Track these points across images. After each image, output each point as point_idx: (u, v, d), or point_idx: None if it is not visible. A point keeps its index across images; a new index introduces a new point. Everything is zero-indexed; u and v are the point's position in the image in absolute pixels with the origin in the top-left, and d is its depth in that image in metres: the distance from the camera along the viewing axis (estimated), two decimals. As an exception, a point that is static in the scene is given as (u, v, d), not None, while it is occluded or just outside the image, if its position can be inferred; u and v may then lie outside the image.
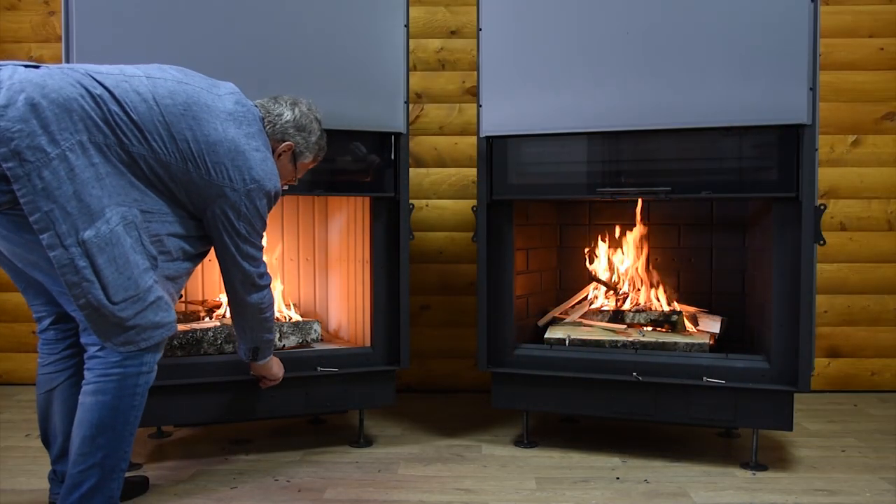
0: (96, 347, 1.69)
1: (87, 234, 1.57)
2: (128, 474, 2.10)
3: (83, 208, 1.57)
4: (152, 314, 1.70)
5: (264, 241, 1.98)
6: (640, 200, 2.72)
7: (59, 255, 1.55)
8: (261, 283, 1.96)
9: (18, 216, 1.56)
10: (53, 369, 1.85)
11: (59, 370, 1.84)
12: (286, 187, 2.08)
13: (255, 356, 2.09)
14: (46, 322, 1.85)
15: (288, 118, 1.96)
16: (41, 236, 1.54)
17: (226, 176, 1.79)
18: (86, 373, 1.70)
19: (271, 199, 1.90)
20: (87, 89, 1.61)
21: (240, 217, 1.83)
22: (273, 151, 1.96)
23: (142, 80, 1.73)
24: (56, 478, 1.88)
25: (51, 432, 1.87)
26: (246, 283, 1.93)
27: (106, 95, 1.64)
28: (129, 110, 1.66)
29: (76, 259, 1.57)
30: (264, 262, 1.98)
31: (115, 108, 1.64)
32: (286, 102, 1.99)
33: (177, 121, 1.72)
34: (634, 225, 2.78)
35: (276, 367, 2.21)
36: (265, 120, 1.94)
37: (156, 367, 1.77)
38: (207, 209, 1.81)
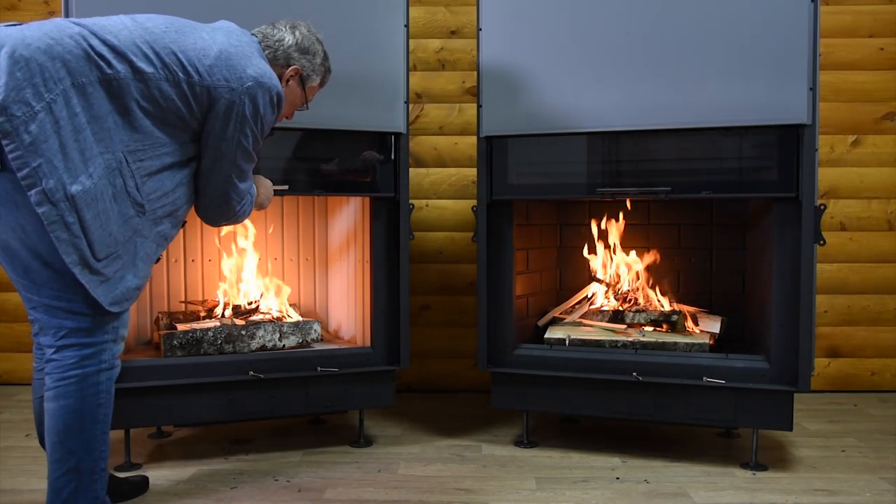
0: (52, 350, 1.65)
1: (74, 188, 1.53)
2: (128, 474, 2.11)
3: (68, 162, 1.53)
4: (130, 273, 1.67)
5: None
6: (627, 201, 2.72)
7: (47, 210, 1.51)
8: (240, 198, 1.86)
9: None
10: (44, 374, 1.83)
11: None
12: (306, 106, 2.03)
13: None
14: (38, 326, 1.81)
15: (290, 42, 1.90)
16: (30, 193, 1.50)
17: (221, 77, 1.71)
18: (46, 378, 1.66)
19: (274, 102, 1.79)
20: (64, 30, 1.58)
21: (241, 120, 1.74)
22: (279, 79, 1.87)
23: (122, 17, 1.70)
24: None
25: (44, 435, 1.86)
26: (224, 200, 1.83)
27: (85, 31, 1.60)
28: (108, 38, 1.61)
29: (65, 215, 1.53)
30: (251, 180, 1.90)
31: (94, 41, 1.59)
32: (285, 27, 1.92)
33: (159, 37, 1.67)
34: (633, 224, 2.78)
35: (263, 193, 2.05)
36: (263, 44, 1.87)
37: (118, 363, 1.72)
38: (207, 120, 1.74)
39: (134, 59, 1.62)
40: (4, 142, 1.49)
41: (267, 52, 1.87)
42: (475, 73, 2.45)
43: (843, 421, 2.83)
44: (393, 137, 2.40)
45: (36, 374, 1.85)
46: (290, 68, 1.91)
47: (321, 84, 2.04)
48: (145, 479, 2.08)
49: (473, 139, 2.79)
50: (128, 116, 1.64)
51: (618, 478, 2.21)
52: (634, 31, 2.23)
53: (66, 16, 2.08)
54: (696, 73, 2.18)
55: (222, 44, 1.74)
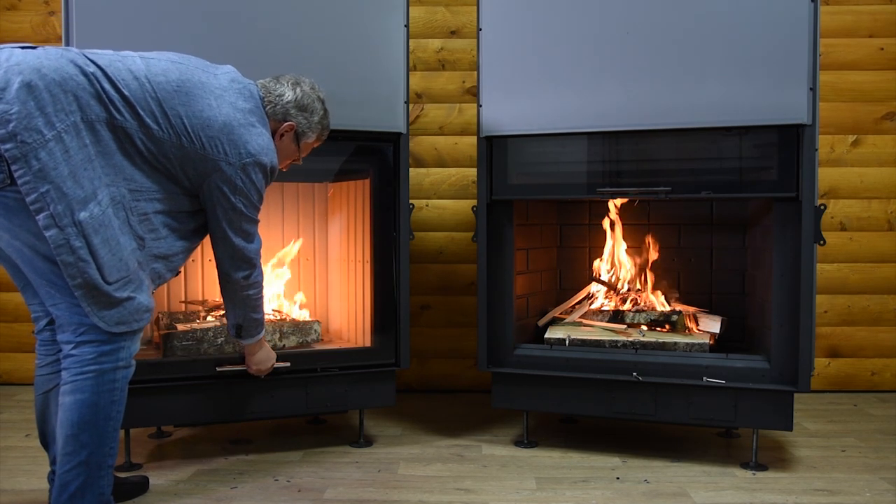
0: (71, 346, 1.68)
1: (83, 214, 1.59)
2: (128, 474, 2.11)
3: (77, 189, 1.58)
4: (143, 296, 1.73)
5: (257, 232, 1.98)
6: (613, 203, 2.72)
7: (54, 234, 1.57)
8: (251, 259, 1.95)
9: (7, 199, 1.57)
10: (49, 371, 1.84)
11: (56, 371, 1.83)
12: (299, 161, 2.10)
13: (240, 334, 2.08)
14: (43, 322, 1.85)
15: (289, 98, 1.97)
16: (38, 217, 1.56)
17: (221, 150, 1.79)
18: (63, 373, 1.69)
19: (268, 174, 1.89)
20: (80, 68, 1.63)
21: (235, 191, 1.84)
22: (274, 132, 1.97)
23: (136, 59, 1.75)
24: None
25: (49, 434, 1.86)
26: (235, 259, 1.93)
27: (99, 73, 1.65)
28: (120, 87, 1.67)
29: (72, 239, 1.58)
30: (259, 239, 1.98)
31: (106, 85, 1.65)
32: (287, 83, 2.00)
33: (169, 97, 1.74)
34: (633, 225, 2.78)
35: (263, 356, 2.18)
36: (265, 100, 1.95)
37: (133, 363, 1.76)
38: (203, 184, 1.82)
39: (142, 114, 1.70)
40: (14, 167, 1.53)
41: (267, 106, 1.95)
42: (475, 73, 2.45)
43: (843, 421, 2.83)
44: (393, 137, 2.40)
45: (39, 371, 1.86)
46: (285, 123, 1.98)
47: (318, 140, 2.12)
48: (145, 479, 2.09)
49: (473, 139, 2.79)
50: (129, 160, 1.71)
51: (618, 478, 2.21)
52: (635, 31, 2.23)
53: (66, 15, 2.08)
54: (697, 73, 2.18)
55: (227, 116, 1.81)
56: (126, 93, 1.68)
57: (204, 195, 1.84)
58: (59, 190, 1.56)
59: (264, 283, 2.09)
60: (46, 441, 1.88)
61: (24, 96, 1.53)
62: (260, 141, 1.86)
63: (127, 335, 1.72)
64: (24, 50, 1.62)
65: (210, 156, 1.79)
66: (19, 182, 1.54)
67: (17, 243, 1.63)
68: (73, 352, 1.68)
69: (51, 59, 1.61)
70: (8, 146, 1.52)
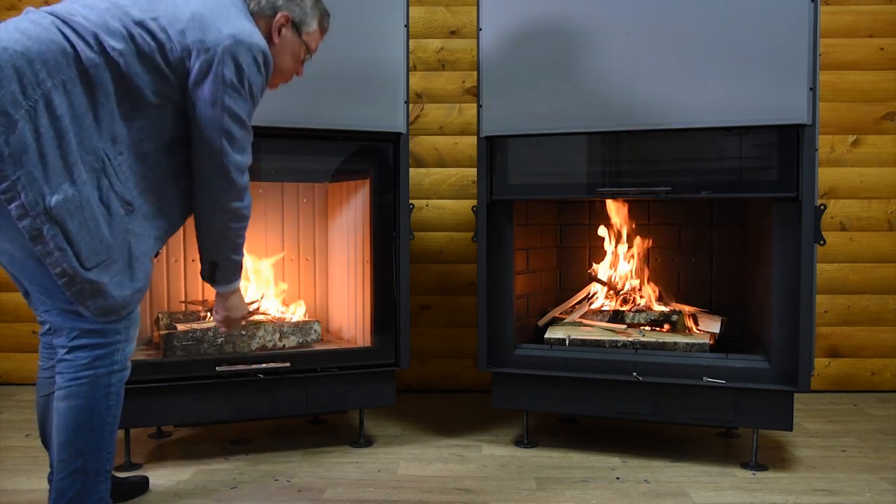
0: (64, 350, 1.62)
1: (55, 199, 1.48)
2: (128, 474, 2.11)
3: (48, 172, 1.48)
4: (127, 278, 1.62)
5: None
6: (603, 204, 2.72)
7: (27, 224, 1.48)
8: (235, 180, 1.70)
9: None
10: (51, 374, 1.80)
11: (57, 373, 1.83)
12: (310, 56, 1.92)
13: (213, 277, 1.82)
14: (47, 326, 1.82)
15: None
16: (10, 207, 1.47)
17: (195, 38, 1.60)
18: (57, 377, 1.64)
19: (258, 61, 1.66)
20: (40, 25, 1.52)
21: (222, 81, 1.62)
22: (270, 33, 1.78)
23: None
24: None
25: (49, 435, 1.84)
26: (218, 174, 1.68)
27: (57, 21, 1.54)
28: (78, 23, 1.55)
29: (44, 228, 1.48)
30: (250, 155, 1.74)
31: (66, 30, 1.53)
32: None
33: (129, 9, 1.59)
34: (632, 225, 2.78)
35: (235, 303, 1.89)
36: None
37: (129, 365, 1.70)
38: (188, 90, 1.64)
39: (105, 37, 1.55)
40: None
41: (251, 4, 1.76)
42: (475, 73, 2.45)
43: (843, 421, 2.83)
44: (393, 137, 2.40)
45: (41, 373, 1.84)
46: (278, 16, 1.79)
47: (322, 29, 1.91)
48: (145, 480, 2.08)
49: (473, 139, 2.79)
50: (104, 109, 1.57)
51: (618, 478, 2.21)
52: (634, 31, 2.23)
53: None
54: (697, 73, 2.18)
55: (195, 7, 1.63)
56: (84, 23, 1.54)
57: (190, 103, 1.65)
58: (29, 175, 1.46)
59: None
60: (47, 442, 1.87)
61: None
62: (240, 24, 1.65)
63: (121, 337, 1.65)
64: None
65: (182, 48, 1.60)
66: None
67: (7, 246, 1.56)
68: (66, 356, 1.62)
69: (9, 30, 1.50)
70: None
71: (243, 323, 1.94)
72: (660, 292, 2.70)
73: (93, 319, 1.61)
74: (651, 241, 2.79)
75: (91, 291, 1.57)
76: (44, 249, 1.51)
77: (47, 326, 1.82)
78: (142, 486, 2.06)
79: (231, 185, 1.71)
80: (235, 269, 1.84)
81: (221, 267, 1.80)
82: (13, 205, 1.47)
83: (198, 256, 2.66)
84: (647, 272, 2.75)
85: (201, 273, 1.84)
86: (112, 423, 1.66)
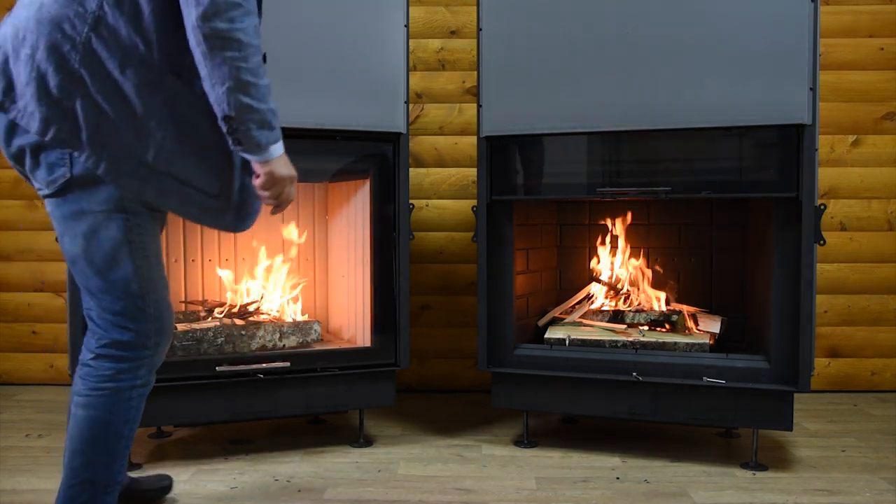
0: (91, 356, 1.58)
1: (149, 155, 1.44)
2: (151, 473, 2.09)
3: (126, 137, 1.43)
4: (246, 177, 1.56)
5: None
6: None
7: (138, 187, 1.45)
8: (240, 20, 1.41)
9: (66, 205, 1.46)
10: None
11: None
12: None
13: (235, 137, 1.49)
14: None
15: None
16: (119, 184, 1.43)
17: None
18: (78, 381, 1.60)
19: None
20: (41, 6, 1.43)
21: None
22: None
23: None
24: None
25: None
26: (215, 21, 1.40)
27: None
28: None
29: (162, 181, 1.46)
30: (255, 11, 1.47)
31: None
32: None
33: None
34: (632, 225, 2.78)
35: (283, 168, 1.56)
36: None
37: (152, 380, 1.66)
38: None
39: None
40: (76, 154, 1.41)
41: None
42: (475, 73, 2.45)
43: (843, 421, 2.83)
44: (393, 137, 2.40)
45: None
46: None
47: None
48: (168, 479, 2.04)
49: (473, 139, 2.79)
50: (130, 25, 1.43)
51: (618, 478, 2.21)
52: (635, 31, 2.23)
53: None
54: (697, 73, 2.18)
55: None
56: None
57: None
58: (117, 147, 1.41)
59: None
60: None
61: (35, 83, 1.39)
62: None
63: (149, 352, 1.58)
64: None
65: None
66: (86, 163, 1.41)
67: (67, 241, 1.52)
68: (90, 363, 1.57)
69: (20, 17, 1.43)
70: (49, 139, 1.39)
71: (293, 191, 1.63)
72: (666, 297, 2.70)
73: (124, 332, 1.54)
74: (651, 242, 2.79)
75: (232, 211, 1.56)
76: (171, 204, 1.50)
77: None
78: (165, 488, 2.02)
79: (226, 24, 1.40)
80: (259, 122, 1.48)
81: (239, 120, 1.46)
82: (117, 183, 1.44)
83: (198, 257, 2.66)
84: (648, 276, 2.75)
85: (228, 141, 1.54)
86: (128, 436, 1.62)
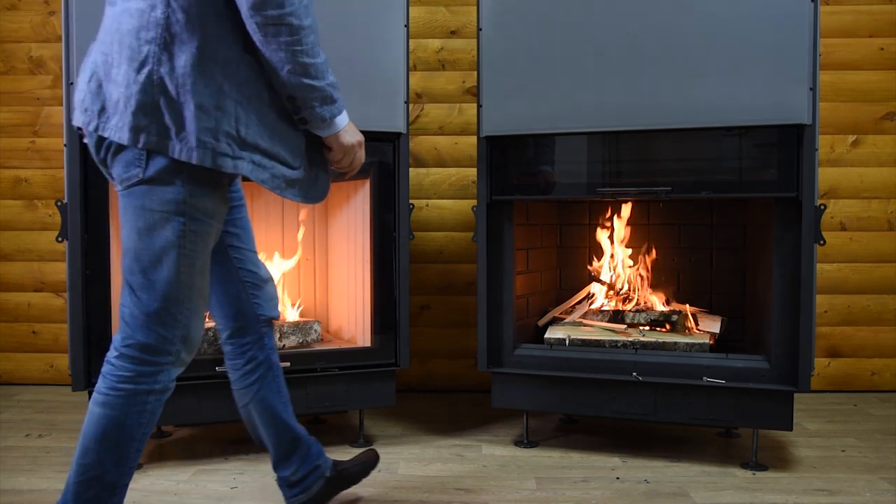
0: (114, 353, 1.57)
1: (241, 132, 1.48)
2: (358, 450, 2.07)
3: (222, 117, 1.47)
4: (315, 151, 1.64)
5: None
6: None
7: (239, 164, 1.49)
8: None
9: (131, 196, 1.49)
10: (240, 385, 1.83)
11: (247, 385, 1.82)
12: None
13: (300, 116, 1.56)
14: (224, 334, 1.82)
15: None
16: (220, 165, 1.46)
17: None
18: (100, 379, 1.58)
19: None
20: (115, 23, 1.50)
21: None
22: None
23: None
24: (282, 483, 1.89)
25: (260, 440, 1.87)
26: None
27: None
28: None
29: (254, 156, 1.50)
30: None
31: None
32: None
33: None
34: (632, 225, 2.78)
35: (350, 136, 1.62)
36: None
37: (172, 385, 1.63)
38: None
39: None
40: (161, 157, 1.45)
41: None
42: (475, 73, 2.45)
43: (843, 421, 2.83)
44: (393, 137, 2.40)
45: (233, 385, 1.84)
46: None
47: None
48: (373, 453, 2.05)
49: (473, 139, 2.79)
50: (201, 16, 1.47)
51: (618, 478, 2.21)
52: (635, 31, 2.23)
53: (66, 15, 2.08)
54: (697, 73, 2.18)
55: None
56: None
57: None
58: (207, 132, 1.45)
59: None
60: (261, 438, 1.88)
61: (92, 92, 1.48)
62: None
63: (172, 358, 1.57)
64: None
65: None
66: (182, 152, 1.44)
67: (124, 233, 1.53)
68: (113, 360, 1.56)
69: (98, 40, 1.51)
70: (142, 146, 1.44)
71: (362, 154, 1.70)
72: (666, 298, 2.70)
73: (149, 334, 1.54)
74: (651, 242, 2.79)
75: (309, 183, 1.61)
76: (262, 177, 1.53)
77: (225, 334, 1.81)
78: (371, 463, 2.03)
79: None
80: (321, 98, 1.54)
81: (303, 100, 1.53)
82: (216, 162, 1.48)
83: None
84: (649, 276, 2.76)
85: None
86: (140, 440, 1.60)
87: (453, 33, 3.31)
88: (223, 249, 1.76)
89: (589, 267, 2.82)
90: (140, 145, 1.45)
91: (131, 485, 2.11)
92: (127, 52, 1.46)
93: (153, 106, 1.44)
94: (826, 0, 3.19)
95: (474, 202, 2.44)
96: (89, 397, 2.15)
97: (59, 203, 2.13)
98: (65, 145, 2.11)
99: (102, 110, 1.49)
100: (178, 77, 1.44)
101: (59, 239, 2.12)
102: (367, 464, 2.02)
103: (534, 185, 2.43)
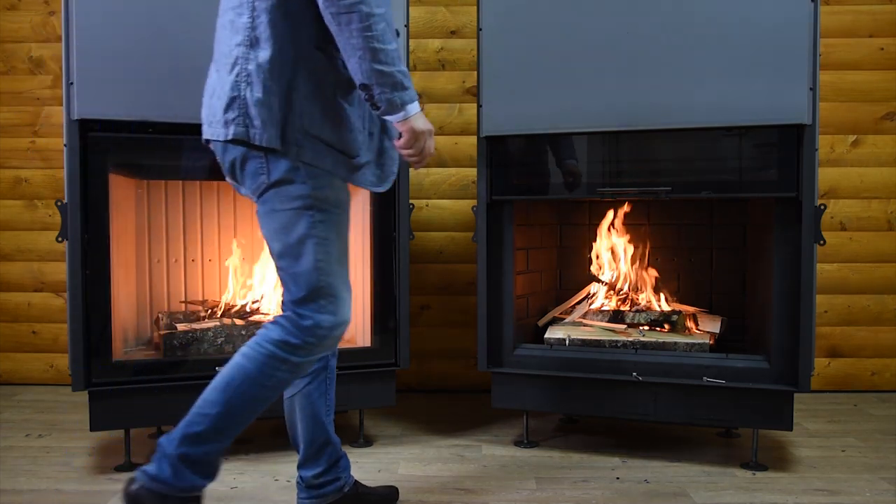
0: (271, 318, 1.72)
1: (304, 123, 1.59)
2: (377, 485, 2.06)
3: (289, 108, 1.59)
4: (386, 139, 1.77)
5: None
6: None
7: (302, 152, 1.59)
8: None
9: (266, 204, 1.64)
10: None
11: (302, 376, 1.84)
12: None
13: (372, 101, 1.60)
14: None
15: None
16: (299, 164, 1.59)
17: None
18: (256, 333, 1.69)
19: None
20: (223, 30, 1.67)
21: None
22: None
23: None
24: (301, 483, 1.88)
25: (295, 437, 1.89)
26: None
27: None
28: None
29: (316, 145, 1.60)
30: None
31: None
32: None
33: None
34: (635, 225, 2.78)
35: (421, 124, 1.66)
36: None
37: (306, 367, 1.70)
38: None
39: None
40: (270, 157, 1.59)
41: None
42: (475, 73, 2.45)
43: (843, 421, 2.83)
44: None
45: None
46: None
47: None
48: (394, 491, 2.04)
49: (473, 139, 2.79)
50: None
51: (618, 478, 2.21)
52: (634, 31, 2.23)
53: (66, 15, 2.08)
54: (697, 72, 2.18)
55: None
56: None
57: None
58: (293, 126, 1.58)
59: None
60: (296, 441, 1.89)
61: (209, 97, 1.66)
62: None
63: (314, 340, 1.65)
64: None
65: None
66: (258, 171, 1.60)
67: (266, 233, 1.68)
68: (268, 324, 1.68)
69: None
70: (231, 137, 1.59)
71: (432, 144, 1.74)
72: (666, 298, 2.70)
73: (305, 317, 1.64)
74: (651, 242, 2.79)
75: (368, 169, 1.75)
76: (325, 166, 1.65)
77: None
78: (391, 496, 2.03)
79: None
80: (392, 84, 1.57)
81: (374, 86, 1.57)
82: (280, 161, 1.61)
83: (198, 256, 2.67)
84: (651, 275, 2.75)
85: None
86: (261, 401, 1.70)
87: (453, 33, 3.31)
88: None
89: (593, 271, 2.82)
90: (230, 136, 1.59)
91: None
92: (224, 60, 1.64)
93: (240, 100, 1.59)
94: (826, 0, 3.19)
95: (474, 202, 2.44)
96: (89, 397, 2.17)
97: (59, 203, 2.13)
98: (65, 145, 2.11)
99: (212, 118, 1.65)
100: (259, 73, 1.58)
101: (59, 239, 2.12)
102: (387, 497, 2.02)
103: (534, 185, 2.43)
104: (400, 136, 1.66)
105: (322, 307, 1.64)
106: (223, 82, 1.62)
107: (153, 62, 2.14)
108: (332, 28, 1.55)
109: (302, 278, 1.63)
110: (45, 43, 3.32)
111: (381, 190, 1.80)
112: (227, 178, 1.70)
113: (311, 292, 1.63)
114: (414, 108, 1.63)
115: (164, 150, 2.22)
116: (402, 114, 1.61)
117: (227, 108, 1.59)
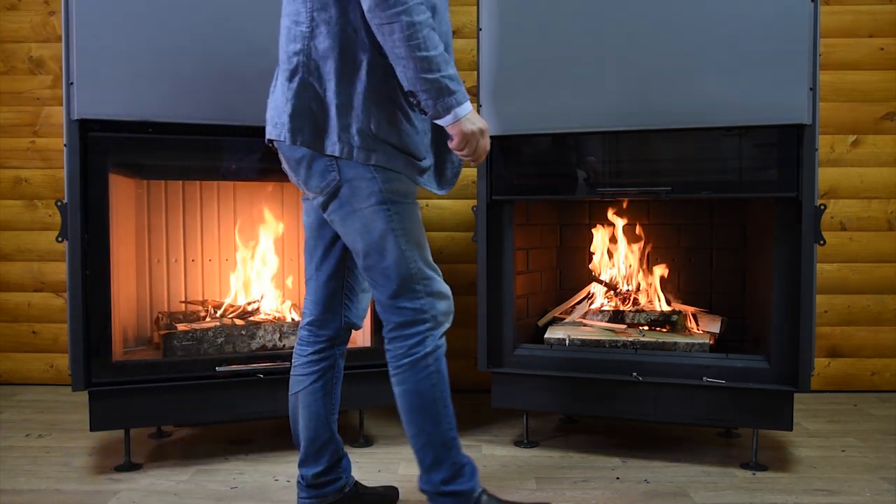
0: (386, 342, 1.76)
1: (372, 127, 1.63)
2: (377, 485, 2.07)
3: (360, 114, 1.62)
4: (440, 142, 1.80)
5: None
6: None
7: (372, 155, 1.64)
8: None
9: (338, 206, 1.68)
10: (299, 372, 1.86)
11: (304, 374, 1.86)
12: None
13: (420, 106, 1.63)
14: (306, 319, 1.88)
15: None
16: (366, 163, 1.63)
17: None
18: (388, 362, 1.77)
19: None
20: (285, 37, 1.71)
21: None
22: None
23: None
24: (302, 482, 1.88)
25: (297, 434, 1.90)
26: None
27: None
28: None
29: (385, 148, 1.64)
30: None
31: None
32: None
33: None
34: (634, 225, 2.78)
35: (471, 124, 1.67)
36: None
37: (443, 342, 1.81)
38: None
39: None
40: (321, 141, 1.64)
41: None
42: (475, 73, 2.45)
43: (843, 421, 2.83)
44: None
45: (293, 370, 1.88)
46: None
47: None
48: (395, 491, 2.06)
49: (473, 139, 2.78)
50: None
51: (618, 478, 2.21)
52: (634, 31, 2.23)
53: (66, 15, 2.08)
54: (696, 72, 2.18)
55: None
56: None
57: None
58: (344, 130, 1.62)
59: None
60: (298, 440, 1.90)
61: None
62: None
63: (430, 324, 1.76)
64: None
65: None
66: (321, 175, 1.65)
67: (349, 240, 1.73)
68: (388, 347, 1.76)
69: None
70: (300, 143, 1.64)
71: (487, 142, 1.76)
72: (667, 298, 2.70)
73: (404, 313, 1.73)
74: (651, 242, 2.79)
75: (433, 172, 1.80)
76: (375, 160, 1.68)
77: (306, 320, 1.87)
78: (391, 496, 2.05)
79: None
80: (437, 90, 1.59)
81: (422, 92, 1.60)
82: (352, 158, 1.66)
83: (198, 256, 2.67)
84: (652, 275, 2.76)
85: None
86: (441, 397, 1.77)
87: (453, 33, 3.31)
88: (346, 250, 1.84)
89: (592, 267, 2.82)
90: (298, 144, 1.64)
91: (131, 485, 2.13)
92: (282, 66, 1.68)
93: (307, 110, 1.63)
94: (826, 0, 3.19)
95: (474, 202, 2.44)
96: (89, 397, 2.17)
97: (59, 203, 2.13)
98: (65, 145, 2.12)
99: (276, 119, 1.68)
100: (323, 83, 1.63)
101: (59, 239, 2.12)
102: (387, 497, 2.03)
103: (534, 185, 2.43)
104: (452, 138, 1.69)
105: (417, 293, 1.73)
106: (283, 88, 1.66)
107: (153, 62, 2.14)
108: (378, 37, 1.59)
109: (392, 271, 1.70)
110: (45, 43, 3.32)
111: (443, 192, 1.84)
112: (291, 177, 1.74)
113: (403, 281, 1.70)
114: (463, 110, 1.64)
115: (163, 150, 2.22)
116: (450, 117, 1.63)
117: (293, 115, 1.64)
